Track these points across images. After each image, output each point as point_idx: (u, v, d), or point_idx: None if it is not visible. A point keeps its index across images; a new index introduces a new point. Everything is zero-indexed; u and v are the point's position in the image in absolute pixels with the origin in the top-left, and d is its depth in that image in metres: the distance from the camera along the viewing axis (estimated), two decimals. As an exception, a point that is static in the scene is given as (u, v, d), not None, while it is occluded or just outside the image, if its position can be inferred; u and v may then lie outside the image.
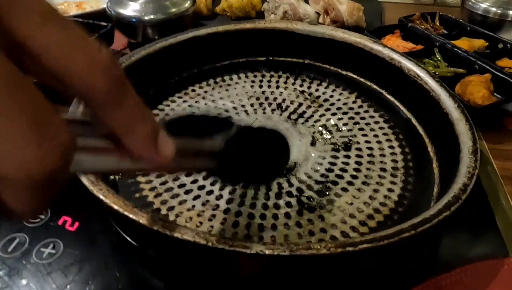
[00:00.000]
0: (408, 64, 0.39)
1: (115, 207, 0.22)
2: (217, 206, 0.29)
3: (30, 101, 0.10)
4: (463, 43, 0.48)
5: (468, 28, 0.51)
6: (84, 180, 0.24)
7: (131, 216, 0.22)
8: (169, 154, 0.13)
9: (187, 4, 0.54)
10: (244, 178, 0.25)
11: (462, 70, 0.43)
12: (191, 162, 0.17)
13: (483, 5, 0.52)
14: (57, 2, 0.63)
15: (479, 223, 0.30)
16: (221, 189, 0.30)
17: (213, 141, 0.19)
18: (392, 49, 0.41)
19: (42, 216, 0.29)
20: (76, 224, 0.29)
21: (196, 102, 0.41)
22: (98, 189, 0.23)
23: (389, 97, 0.41)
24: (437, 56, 0.46)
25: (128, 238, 0.26)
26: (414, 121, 0.38)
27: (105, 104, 0.11)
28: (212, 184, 0.31)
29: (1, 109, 0.09)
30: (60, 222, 0.29)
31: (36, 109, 0.10)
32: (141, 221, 0.21)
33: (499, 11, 0.51)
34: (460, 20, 0.54)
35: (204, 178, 0.31)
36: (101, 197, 0.23)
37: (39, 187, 0.10)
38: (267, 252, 0.20)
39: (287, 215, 0.28)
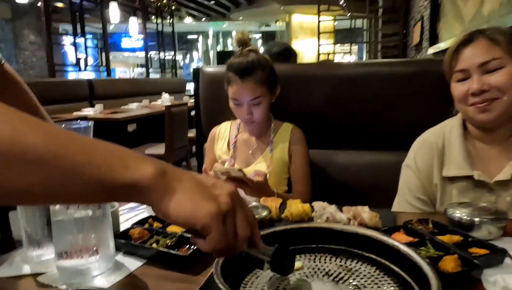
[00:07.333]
0: (406, 249, 0.65)
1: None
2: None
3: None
4: (446, 238, 0.74)
5: (449, 228, 0.78)
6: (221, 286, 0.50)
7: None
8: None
9: (265, 213, 0.86)
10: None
11: (441, 253, 0.68)
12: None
13: (458, 215, 0.81)
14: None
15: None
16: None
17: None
18: (397, 240, 0.68)
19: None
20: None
21: (276, 269, 0.67)
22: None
23: (396, 268, 0.65)
24: (429, 245, 0.72)
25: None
26: (412, 282, 0.61)
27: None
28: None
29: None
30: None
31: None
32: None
33: (469, 218, 0.79)
34: (444, 223, 0.81)
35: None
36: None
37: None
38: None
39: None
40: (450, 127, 1.08)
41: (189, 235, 0.79)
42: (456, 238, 0.74)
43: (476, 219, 0.78)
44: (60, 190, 0.39)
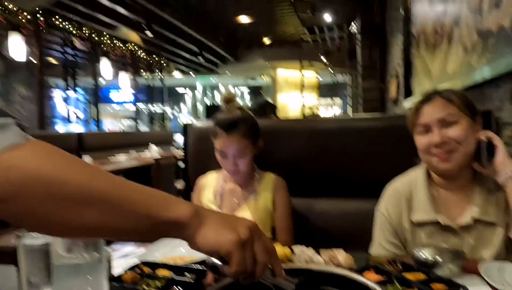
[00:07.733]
0: (373, 286, 0.73)
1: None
2: None
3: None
4: (412, 275, 0.82)
5: (416, 267, 0.86)
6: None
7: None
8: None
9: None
10: None
11: (406, 288, 0.75)
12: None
13: (422, 255, 0.89)
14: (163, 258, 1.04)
15: None
16: None
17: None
18: (367, 279, 0.76)
19: None
20: None
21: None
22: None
23: (366, 303, 0.72)
24: (395, 282, 0.80)
25: None
26: (379, 315, 0.68)
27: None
28: None
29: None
30: None
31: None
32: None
33: (432, 258, 0.87)
34: (410, 263, 0.89)
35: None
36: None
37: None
38: None
39: None
40: (416, 175, 1.20)
41: (178, 278, 0.85)
42: (421, 276, 0.82)
43: (438, 259, 0.87)
44: (115, 226, 0.48)
